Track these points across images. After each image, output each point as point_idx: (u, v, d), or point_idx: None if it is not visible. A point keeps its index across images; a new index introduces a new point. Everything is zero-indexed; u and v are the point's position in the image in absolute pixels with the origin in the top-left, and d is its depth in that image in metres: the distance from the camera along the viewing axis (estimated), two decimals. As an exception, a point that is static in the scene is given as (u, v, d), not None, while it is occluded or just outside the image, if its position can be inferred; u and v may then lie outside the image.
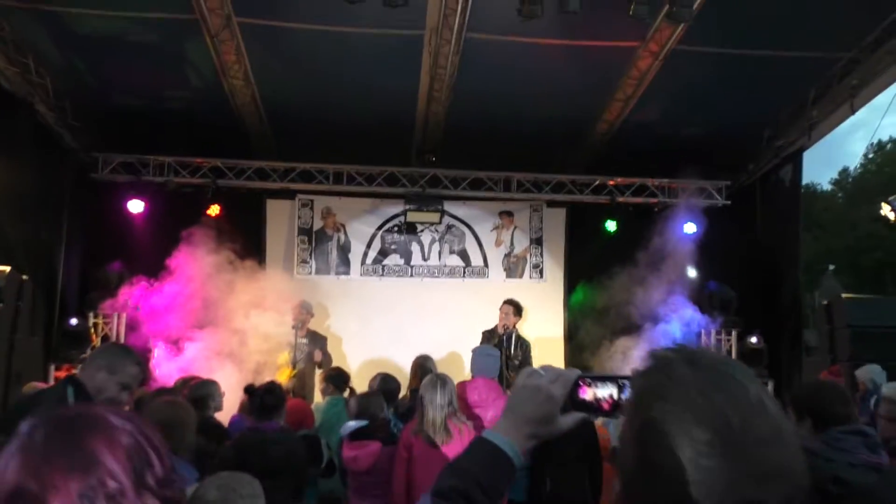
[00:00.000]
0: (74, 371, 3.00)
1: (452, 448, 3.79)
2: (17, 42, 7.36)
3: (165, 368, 7.62)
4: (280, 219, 9.39)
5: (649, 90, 8.14)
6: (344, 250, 9.44)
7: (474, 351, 5.02)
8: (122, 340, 8.41)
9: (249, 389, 4.64)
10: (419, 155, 9.44)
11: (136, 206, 8.67)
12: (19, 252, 7.29)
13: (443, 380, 3.96)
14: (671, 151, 9.14)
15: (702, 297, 8.80)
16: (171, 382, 7.28)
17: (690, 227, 9.07)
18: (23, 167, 7.65)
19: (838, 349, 7.07)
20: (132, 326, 8.14)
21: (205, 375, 5.85)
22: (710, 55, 7.61)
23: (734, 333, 8.66)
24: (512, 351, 6.78)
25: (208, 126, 8.82)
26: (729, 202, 9.25)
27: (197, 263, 8.26)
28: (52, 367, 7.96)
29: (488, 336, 6.92)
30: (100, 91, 8.36)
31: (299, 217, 9.37)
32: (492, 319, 9.18)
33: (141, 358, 3.13)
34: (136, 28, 7.14)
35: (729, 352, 8.62)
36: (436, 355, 9.13)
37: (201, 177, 8.98)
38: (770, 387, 8.28)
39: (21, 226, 7.53)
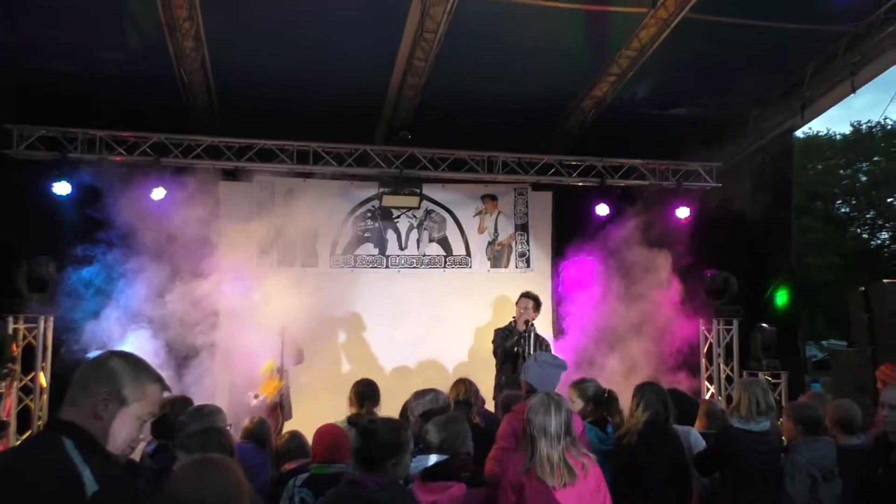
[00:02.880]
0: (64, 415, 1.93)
1: (575, 490, 2.92)
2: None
3: None
4: (236, 203, 8.13)
5: (645, 66, 7.66)
6: (311, 239, 8.33)
7: (535, 359, 4.07)
8: (49, 348, 7.08)
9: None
10: (390, 132, 8.47)
11: (62, 188, 7.32)
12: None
13: (556, 402, 3.04)
14: (660, 131, 8.71)
15: (701, 286, 8.27)
16: None
17: (683, 211, 8.57)
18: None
19: (880, 341, 6.59)
20: (65, 331, 6.79)
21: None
22: (713, 24, 7.15)
23: (735, 322, 8.17)
24: (532, 350, 5.97)
25: (148, 95, 7.67)
26: (720, 185, 8.77)
27: (139, 256, 7.05)
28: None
29: (505, 334, 6.07)
30: (16, 50, 7.04)
31: (258, 201, 8.20)
32: (476, 314, 8.44)
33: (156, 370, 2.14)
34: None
35: (730, 343, 8.15)
36: (416, 356, 8.32)
37: (141, 154, 7.66)
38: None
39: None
